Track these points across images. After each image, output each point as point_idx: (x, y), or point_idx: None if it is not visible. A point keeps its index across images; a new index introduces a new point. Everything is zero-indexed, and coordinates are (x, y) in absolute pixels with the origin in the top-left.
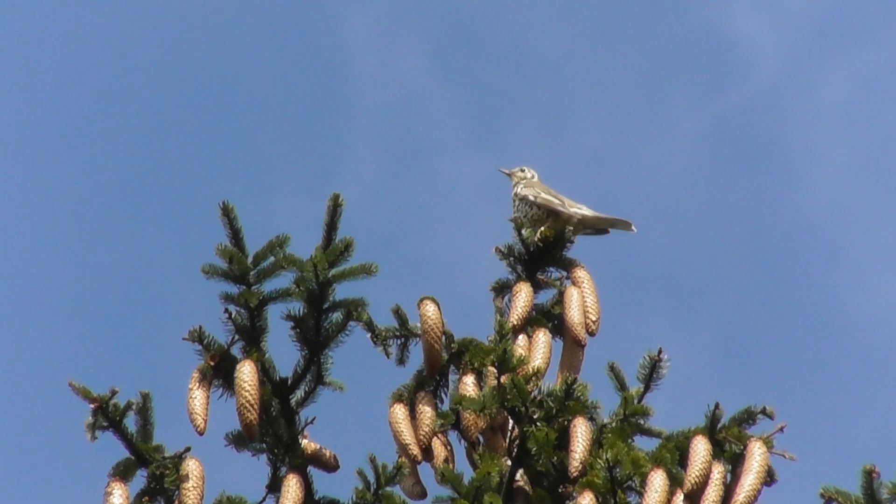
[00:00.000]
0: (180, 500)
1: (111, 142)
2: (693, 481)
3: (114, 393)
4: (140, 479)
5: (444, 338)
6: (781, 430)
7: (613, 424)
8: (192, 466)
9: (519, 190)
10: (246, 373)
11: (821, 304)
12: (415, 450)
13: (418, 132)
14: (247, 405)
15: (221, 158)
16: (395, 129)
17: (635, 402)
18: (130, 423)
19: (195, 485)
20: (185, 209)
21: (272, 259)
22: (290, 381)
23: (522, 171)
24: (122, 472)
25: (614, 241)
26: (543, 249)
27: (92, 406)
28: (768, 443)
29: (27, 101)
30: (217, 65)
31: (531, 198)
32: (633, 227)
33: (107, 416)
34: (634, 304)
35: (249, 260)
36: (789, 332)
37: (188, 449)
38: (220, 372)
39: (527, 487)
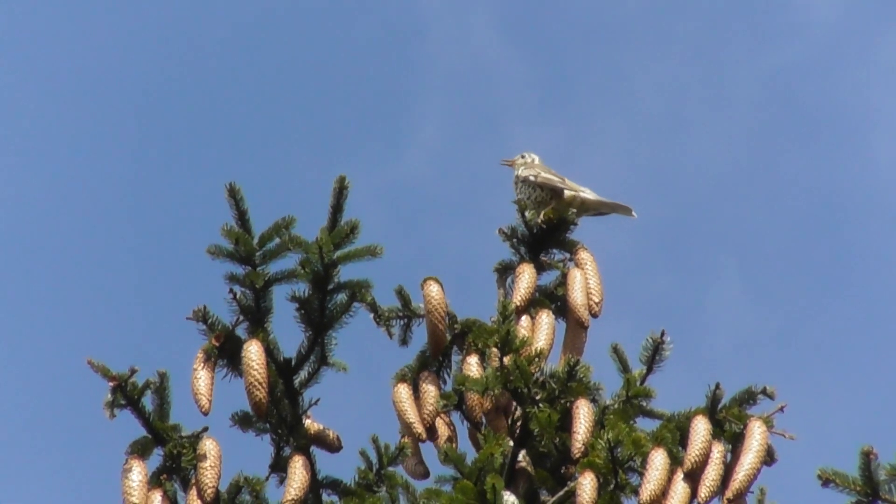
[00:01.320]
0: (197, 479)
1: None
2: (693, 460)
3: (133, 371)
4: (156, 457)
5: (447, 318)
6: (781, 409)
7: (616, 406)
8: (209, 446)
9: (520, 172)
10: (253, 352)
11: (884, 271)
12: (419, 428)
13: (488, 100)
14: (255, 384)
15: (291, 125)
16: (465, 97)
17: (638, 383)
18: (147, 402)
19: (213, 464)
20: (263, 182)
21: (278, 240)
22: (293, 362)
23: (523, 156)
24: (140, 451)
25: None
26: (546, 231)
27: (111, 384)
28: (768, 422)
29: (73, 72)
30: (291, 31)
31: (532, 178)
32: (633, 213)
33: (125, 394)
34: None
35: (255, 241)
36: (848, 298)
37: (206, 429)
38: (224, 352)
39: (529, 468)
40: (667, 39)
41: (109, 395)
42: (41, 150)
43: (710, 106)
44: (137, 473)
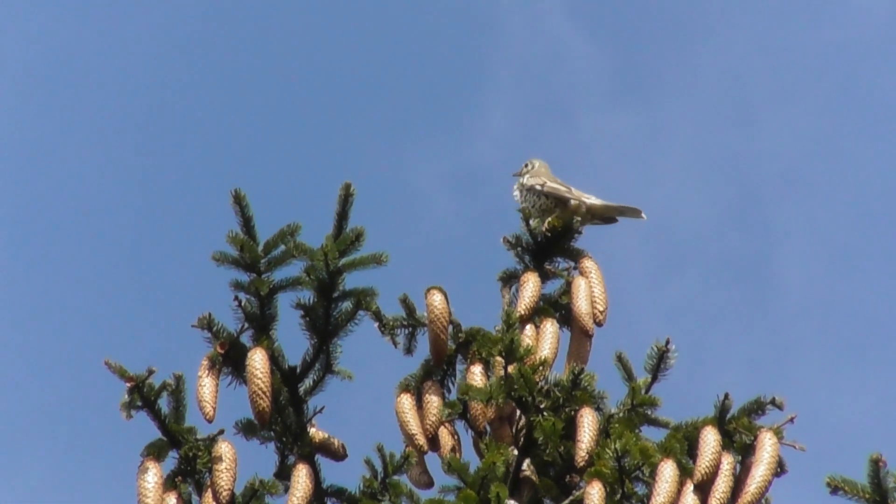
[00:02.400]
0: (213, 482)
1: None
2: (703, 472)
3: (150, 372)
4: (171, 460)
5: (451, 327)
6: (791, 420)
7: (621, 415)
8: (225, 449)
9: (525, 180)
10: (258, 360)
11: None
12: (421, 440)
13: (558, 87)
14: (259, 392)
15: (358, 113)
16: (535, 84)
17: (643, 392)
18: (164, 404)
19: (228, 467)
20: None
21: (283, 247)
22: (298, 370)
23: (527, 165)
24: (155, 453)
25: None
26: (551, 239)
27: (128, 385)
28: (779, 433)
29: (85, 72)
30: (360, 15)
31: (538, 187)
32: (642, 215)
33: (142, 395)
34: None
35: (260, 248)
36: None
37: (221, 431)
38: (229, 360)
39: (533, 477)
40: (734, 25)
41: (126, 396)
42: (48, 155)
43: (777, 90)
44: (153, 475)
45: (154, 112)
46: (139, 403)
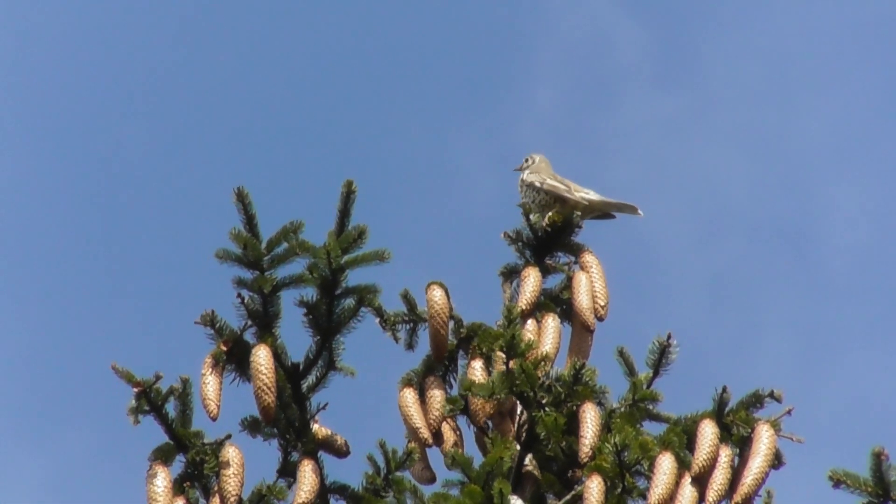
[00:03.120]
0: (220, 487)
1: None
2: (701, 464)
3: (158, 378)
4: (178, 464)
5: (452, 322)
6: (789, 413)
7: (622, 410)
8: (232, 453)
9: (525, 176)
10: (262, 357)
11: None
12: (425, 433)
13: (604, 68)
14: (264, 388)
15: (404, 95)
16: (580, 66)
17: (644, 387)
18: (170, 408)
19: (235, 472)
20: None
21: (286, 245)
22: (301, 367)
23: (527, 160)
24: (163, 458)
25: None
26: (552, 234)
27: (135, 390)
28: (776, 426)
29: (88, 72)
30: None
31: (537, 184)
32: (639, 212)
33: (149, 400)
34: None
35: (263, 245)
36: None
37: (229, 436)
38: (232, 357)
39: (536, 472)
40: (778, 2)
41: (134, 401)
42: (50, 154)
43: (821, 67)
44: (162, 479)
45: (159, 106)
46: (146, 408)
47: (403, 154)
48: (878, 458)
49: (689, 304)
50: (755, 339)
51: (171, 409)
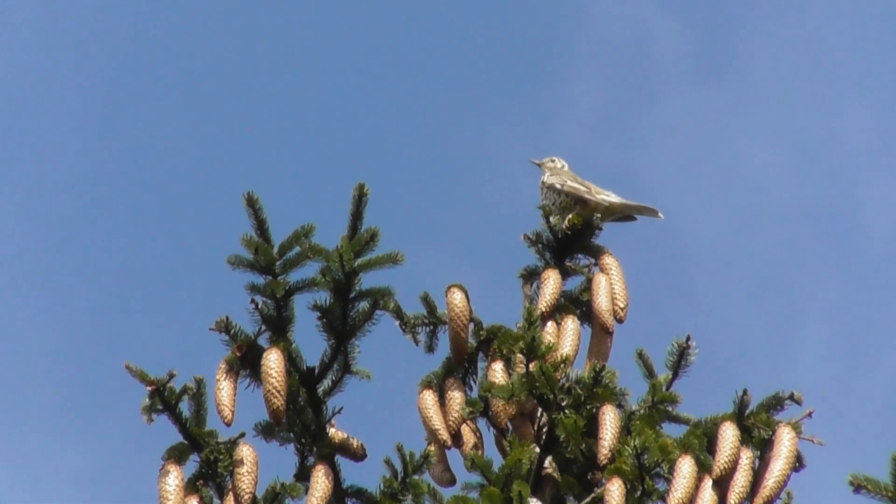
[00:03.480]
0: (234, 485)
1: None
2: (722, 467)
3: (171, 376)
4: (192, 463)
5: (472, 325)
6: (809, 415)
7: (642, 412)
8: (246, 452)
9: (546, 178)
10: (272, 360)
11: None
12: (444, 435)
13: (643, 66)
14: (273, 391)
15: (444, 92)
16: (619, 63)
17: (664, 389)
18: (184, 407)
19: (249, 470)
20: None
21: (298, 249)
22: (317, 371)
23: (553, 161)
24: (177, 457)
25: None
26: (572, 237)
27: (149, 389)
28: (797, 428)
29: (98, 73)
30: None
31: (558, 186)
32: (659, 214)
33: (163, 399)
34: None
35: (275, 250)
36: None
37: (242, 434)
38: (247, 362)
39: (555, 474)
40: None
41: (147, 400)
42: (64, 157)
43: (860, 65)
44: (174, 478)
45: (170, 110)
46: (160, 407)
47: (444, 151)
48: None
49: (727, 296)
50: (794, 331)
51: (185, 408)
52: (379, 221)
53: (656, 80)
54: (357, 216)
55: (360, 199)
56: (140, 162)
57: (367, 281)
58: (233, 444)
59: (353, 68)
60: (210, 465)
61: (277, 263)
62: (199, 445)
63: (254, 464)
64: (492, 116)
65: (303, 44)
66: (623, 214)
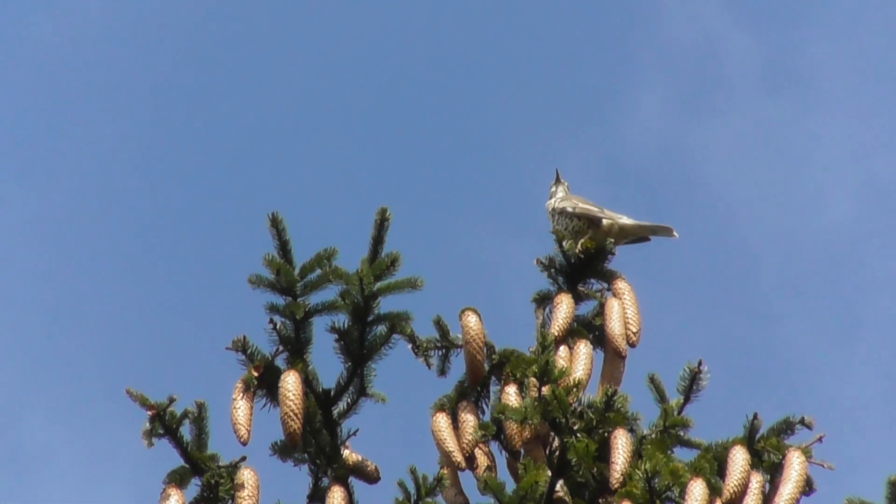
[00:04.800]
0: None
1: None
2: (731, 490)
3: (171, 401)
4: (194, 487)
5: (485, 349)
6: (820, 440)
7: (653, 436)
8: (247, 476)
9: (556, 203)
10: (290, 382)
11: None
12: (458, 457)
13: (710, 77)
14: (291, 414)
15: (510, 104)
16: (686, 74)
17: (675, 413)
18: (186, 431)
19: (251, 493)
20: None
21: (319, 271)
22: (332, 393)
23: (560, 186)
24: (178, 480)
25: None
26: (584, 261)
27: (149, 413)
28: (807, 452)
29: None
30: (513, 5)
31: (569, 209)
32: (674, 233)
33: (163, 423)
34: None
35: (296, 272)
36: None
37: (243, 458)
38: (263, 382)
39: (567, 498)
40: (886, 12)
41: (148, 424)
42: (86, 178)
43: None
44: (175, 502)
45: (195, 129)
46: (161, 431)
47: (511, 163)
48: (894, 486)
49: (794, 309)
50: (864, 299)
51: (186, 432)
52: (401, 244)
53: (723, 90)
54: (378, 240)
55: (381, 224)
56: (164, 177)
57: (385, 305)
58: (234, 467)
59: (401, 85)
60: (211, 489)
61: (298, 285)
62: (201, 469)
63: (255, 487)
64: (560, 129)
65: (344, 64)
66: (637, 236)
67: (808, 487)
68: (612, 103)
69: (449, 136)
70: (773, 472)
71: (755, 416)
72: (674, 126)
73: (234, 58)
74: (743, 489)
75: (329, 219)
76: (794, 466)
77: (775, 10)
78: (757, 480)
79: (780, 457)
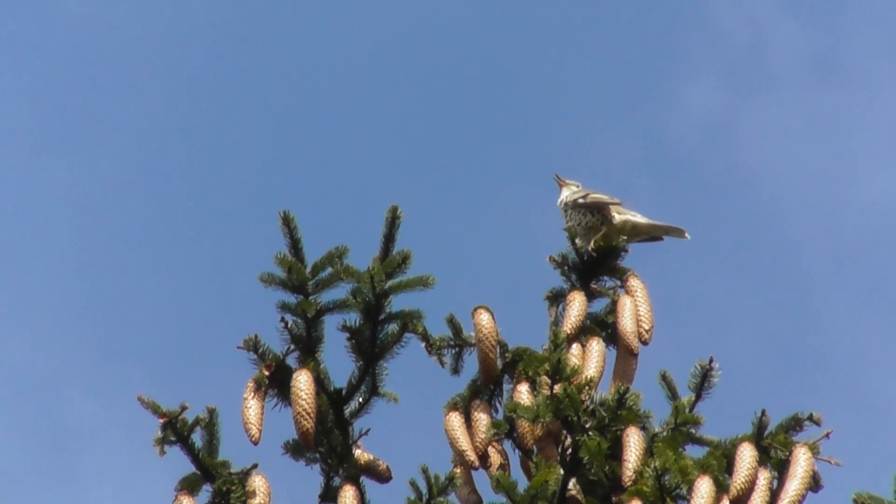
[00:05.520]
0: None
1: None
2: (739, 487)
3: (183, 408)
4: (205, 493)
5: (498, 347)
6: (827, 436)
7: (665, 433)
8: (258, 483)
9: (566, 198)
10: (302, 381)
11: None
12: (472, 456)
13: (758, 68)
14: (303, 413)
15: (557, 95)
16: (735, 64)
17: (686, 411)
18: (197, 437)
19: (262, 501)
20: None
21: (330, 270)
22: (344, 392)
23: (577, 186)
24: (189, 487)
25: None
26: (597, 259)
27: (161, 421)
28: (814, 448)
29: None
30: None
31: (580, 200)
32: (686, 235)
33: (175, 431)
34: None
35: (308, 270)
36: None
37: (255, 465)
38: (275, 382)
39: (579, 496)
40: None
41: (160, 432)
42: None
43: None
44: None
45: (206, 129)
46: (173, 438)
47: (557, 154)
48: None
49: (847, 309)
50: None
51: (197, 438)
52: (412, 242)
53: (770, 78)
54: (390, 238)
55: (393, 222)
56: (174, 180)
57: (396, 303)
58: (245, 474)
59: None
60: (223, 496)
61: (310, 283)
62: (212, 476)
63: (266, 494)
64: (606, 119)
65: (362, 66)
66: (649, 235)
67: (814, 483)
68: (658, 91)
69: (500, 122)
70: (781, 469)
71: (763, 413)
72: (720, 114)
73: (254, 53)
74: (750, 486)
75: (344, 215)
76: (801, 463)
77: (826, 1)
78: (764, 477)
79: (787, 453)
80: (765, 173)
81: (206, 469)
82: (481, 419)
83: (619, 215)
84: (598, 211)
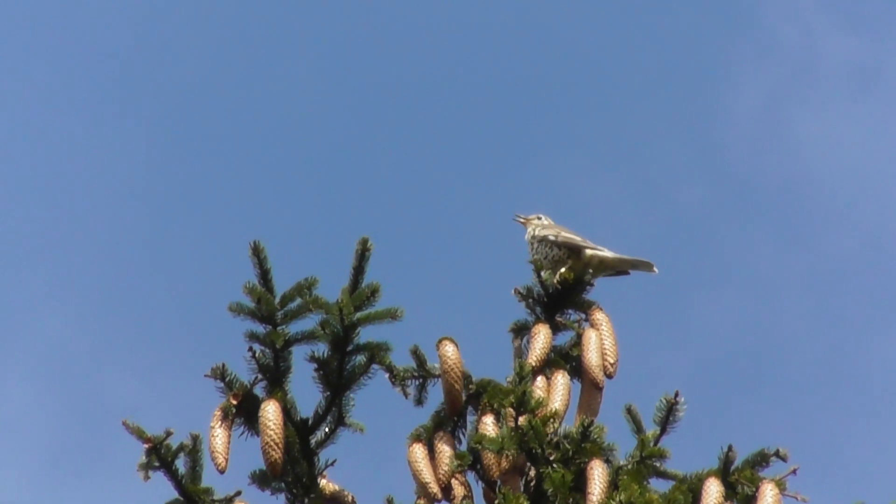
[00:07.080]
0: None
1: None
2: None
3: (168, 434)
4: None
5: (463, 379)
6: (794, 472)
7: (630, 466)
8: None
9: (536, 232)
10: (270, 412)
11: None
12: (434, 488)
13: (805, 74)
14: (272, 444)
15: (607, 96)
16: (784, 70)
17: (651, 444)
18: (180, 464)
19: None
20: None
21: (299, 301)
22: (310, 422)
23: (539, 218)
24: None
25: None
26: (563, 292)
27: (146, 446)
28: (780, 485)
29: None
30: None
31: (551, 237)
32: (654, 269)
33: (159, 456)
34: None
35: (277, 300)
36: None
37: (239, 493)
38: (242, 411)
39: None
40: None
41: (144, 457)
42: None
43: None
44: None
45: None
46: (156, 464)
47: (605, 156)
48: None
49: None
50: None
51: (181, 465)
52: (382, 274)
53: (817, 88)
54: (359, 270)
55: (363, 254)
56: (151, 202)
57: (364, 335)
58: (229, 501)
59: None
60: None
61: (279, 314)
62: (195, 502)
63: None
64: (656, 121)
65: (344, 83)
66: (616, 269)
67: None
68: (707, 96)
69: (559, 122)
70: None
71: (730, 448)
72: (768, 119)
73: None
74: None
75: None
76: (767, 499)
77: (871, 12)
78: None
79: (754, 489)
80: (811, 177)
81: (190, 496)
82: (444, 451)
83: (588, 249)
84: (569, 248)
